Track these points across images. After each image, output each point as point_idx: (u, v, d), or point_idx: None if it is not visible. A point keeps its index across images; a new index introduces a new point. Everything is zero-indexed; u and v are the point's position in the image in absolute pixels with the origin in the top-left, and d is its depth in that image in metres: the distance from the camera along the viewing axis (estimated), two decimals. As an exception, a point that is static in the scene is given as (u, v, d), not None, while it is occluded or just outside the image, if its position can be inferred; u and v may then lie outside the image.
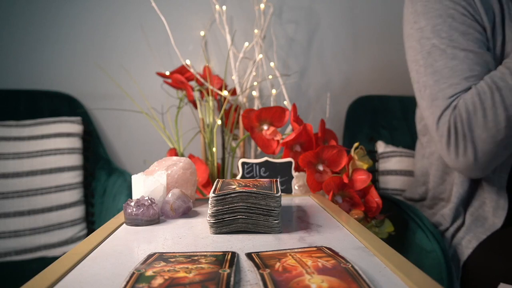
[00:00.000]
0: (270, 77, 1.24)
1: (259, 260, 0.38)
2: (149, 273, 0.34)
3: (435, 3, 0.78)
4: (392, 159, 1.19)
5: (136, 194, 0.59)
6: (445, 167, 0.87)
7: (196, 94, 1.17)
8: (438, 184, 0.89)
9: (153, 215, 0.54)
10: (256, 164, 0.74)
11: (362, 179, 0.77)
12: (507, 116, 0.69)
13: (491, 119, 0.70)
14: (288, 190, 0.75)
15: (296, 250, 0.41)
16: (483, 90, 0.71)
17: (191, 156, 1.03)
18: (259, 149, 1.27)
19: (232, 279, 0.33)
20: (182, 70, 1.18)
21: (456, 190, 0.83)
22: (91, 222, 1.18)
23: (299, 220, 0.56)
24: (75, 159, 1.17)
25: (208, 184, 0.99)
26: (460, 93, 0.74)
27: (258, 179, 0.57)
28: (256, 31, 1.25)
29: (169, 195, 0.58)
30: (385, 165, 1.20)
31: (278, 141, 0.81)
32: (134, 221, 0.53)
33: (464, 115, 0.73)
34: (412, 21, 0.82)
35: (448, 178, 0.86)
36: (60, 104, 1.28)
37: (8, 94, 1.24)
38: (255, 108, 1.28)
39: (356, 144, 0.82)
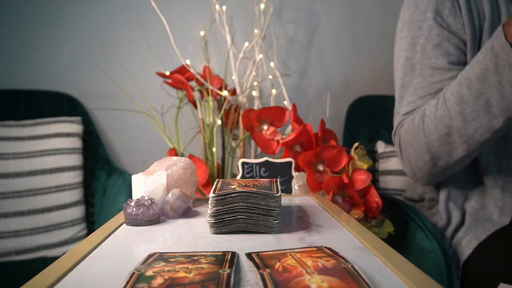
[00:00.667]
0: (270, 77, 1.24)
1: (259, 260, 0.38)
2: (149, 273, 0.34)
3: (420, 14, 0.81)
4: (392, 159, 1.19)
5: (136, 194, 0.59)
6: None
7: (196, 94, 1.17)
8: (434, 186, 0.90)
9: (153, 215, 0.54)
10: (256, 164, 0.74)
11: (362, 179, 0.77)
12: (425, 142, 0.76)
13: (416, 142, 0.78)
14: (288, 190, 0.75)
15: (296, 250, 0.41)
16: (417, 115, 0.78)
17: (191, 156, 1.03)
18: (259, 149, 1.27)
19: (232, 279, 0.33)
20: (182, 70, 1.18)
21: (442, 190, 0.85)
22: (91, 222, 1.18)
23: (299, 220, 0.56)
24: (75, 159, 1.17)
25: (208, 184, 0.99)
26: (412, 111, 0.81)
27: (258, 179, 0.57)
28: (256, 31, 1.25)
29: (169, 195, 0.58)
30: (385, 165, 1.20)
31: (278, 141, 0.81)
32: (134, 221, 0.53)
33: (403, 134, 0.82)
34: (399, 29, 0.87)
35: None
36: (60, 104, 1.28)
37: (8, 94, 1.24)
38: (255, 108, 1.28)
39: (356, 144, 0.82)
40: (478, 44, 0.79)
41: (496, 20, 0.79)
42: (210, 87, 1.12)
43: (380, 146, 1.23)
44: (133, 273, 0.34)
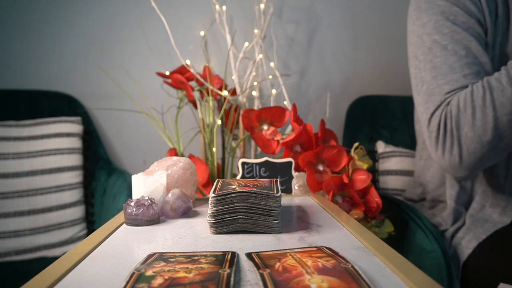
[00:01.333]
0: (270, 77, 1.24)
1: (259, 260, 0.38)
2: (149, 273, 0.34)
3: (440, 0, 0.77)
4: (392, 159, 1.19)
5: (136, 194, 0.59)
6: (443, 169, 0.87)
7: (196, 94, 1.17)
8: (437, 187, 0.89)
9: (153, 215, 0.54)
10: (256, 164, 0.74)
11: (362, 179, 0.77)
12: (494, 117, 0.68)
13: (479, 118, 0.69)
14: (288, 190, 0.75)
15: (296, 250, 0.41)
16: (477, 89, 0.70)
17: (191, 156, 1.03)
18: (259, 149, 1.27)
19: (232, 279, 0.33)
20: (182, 70, 1.18)
21: (449, 192, 0.84)
22: (91, 222, 1.18)
23: (299, 220, 0.56)
24: (75, 159, 1.17)
25: (208, 184, 0.99)
26: (457, 90, 0.73)
27: (258, 179, 0.57)
28: (256, 31, 1.25)
29: (169, 195, 0.58)
30: (385, 165, 1.20)
31: (278, 141, 0.81)
32: (134, 221, 0.53)
33: (454, 111, 0.72)
34: (414, 18, 0.81)
35: (447, 181, 0.87)
36: (60, 104, 1.28)
37: (8, 94, 1.24)
38: (255, 108, 1.28)
39: (356, 144, 0.82)
40: (493, 37, 0.77)
41: (506, 17, 0.78)
42: (210, 87, 1.12)
43: (380, 146, 1.23)
44: (133, 273, 0.34)
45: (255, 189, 0.50)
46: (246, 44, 1.25)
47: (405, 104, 1.32)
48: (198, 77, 1.17)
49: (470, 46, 0.74)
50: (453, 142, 0.73)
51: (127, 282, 0.32)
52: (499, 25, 0.78)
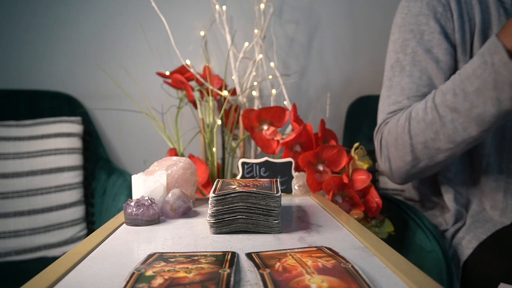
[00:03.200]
0: (270, 77, 1.24)
1: (259, 260, 0.38)
2: (149, 273, 0.34)
3: (411, 17, 0.82)
4: (392, 159, 1.18)
5: (136, 194, 0.59)
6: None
7: (196, 94, 1.17)
8: (432, 191, 0.90)
9: (153, 215, 0.54)
10: (256, 164, 0.74)
11: (362, 179, 0.77)
12: (410, 144, 0.77)
13: (400, 142, 0.79)
14: (288, 190, 0.75)
15: (296, 250, 0.41)
16: (402, 117, 0.78)
17: (191, 156, 1.03)
18: (259, 149, 1.27)
19: (232, 279, 0.33)
20: (182, 70, 1.18)
21: (446, 197, 0.84)
22: (91, 222, 1.18)
23: (299, 220, 0.56)
24: (75, 159, 1.17)
25: (208, 184, 0.99)
26: (398, 111, 0.81)
27: (258, 179, 0.57)
28: (256, 31, 1.25)
29: (169, 195, 0.58)
30: (385, 165, 1.20)
31: (278, 141, 0.81)
32: (134, 221, 0.53)
33: (385, 133, 0.82)
34: (392, 31, 0.88)
35: (441, 187, 0.87)
36: (60, 104, 1.28)
37: (8, 94, 1.24)
38: (255, 108, 1.28)
39: (356, 144, 0.82)
40: (470, 49, 0.80)
41: (487, 26, 0.80)
42: (210, 87, 1.12)
43: (380, 146, 1.23)
44: (133, 273, 0.34)
45: (255, 189, 0.50)
46: (246, 44, 1.25)
47: (405, 104, 1.32)
48: (198, 77, 1.17)
49: (427, 68, 0.80)
50: (385, 157, 0.84)
51: (127, 282, 0.32)
52: (477, 35, 0.79)
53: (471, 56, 0.80)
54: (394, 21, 0.87)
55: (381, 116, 0.86)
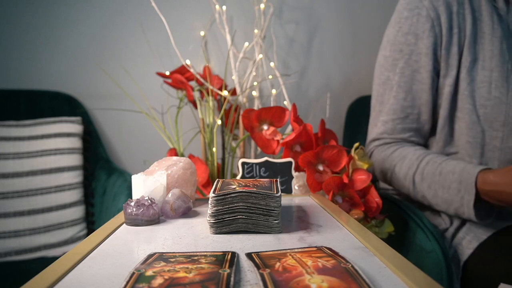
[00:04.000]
0: (270, 77, 1.24)
1: (259, 260, 0.38)
2: (149, 273, 0.34)
3: (401, 36, 0.87)
4: (392, 159, 1.19)
5: (136, 194, 0.59)
6: None
7: (196, 94, 1.17)
8: None
9: (153, 215, 0.54)
10: (256, 164, 0.74)
11: (362, 179, 0.77)
12: (390, 182, 0.90)
13: (384, 175, 0.91)
14: (288, 190, 0.75)
15: (296, 250, 0.41)
16: (388, 159, 0.88)
17: (191, 156, 1.03)
18: (259, 149, 1.27)
19: (232, 279, 0.33)
20: (182, 70, 1.18)
21: None
22: (91, 222, 1.18)
23: (299, 220, 0.56)
24: (75, 159, 1.17)
25: (208, 184, 0.99)
26: (384, 133, 0.91)
27: (258, 179, 0.57)
28: (256, 31, 1.25)
29: (169, 195, 0.58)
30: (385, 165, 1.20)
31: (278, 141, 0.81)
32: (134, 221, 0.53)
33: (374, 158, 0.93)
34: (383, 45, 0.92)
35: None
36: (60, 104, 1.28)
37: (8, 94, 1.24)
38: (255, 108, 1.28)
39: (356, 144, 0.82)
40: (458, 61, 0.82)
41: (478, 35, 0.82)
42: (210, 87, 1.12)
43: (380, 146, 1.23)
44: (133, 273, 0.34)
45: (255, 189, 0.50)
46: (246, 44, 1.25)
47: (405, 104, 1.32)
48: (198, 77, 1.17)
49: (412, 89, 0.87)
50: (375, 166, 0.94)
51: (127, 282, 0.32)
52: (466, 46, 0.81)
53: (458, 69, 0.83)
54: (387, 34, 0.91)
55: (372, 130, 0.94)
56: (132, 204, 0.53)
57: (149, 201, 0.54)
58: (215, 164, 1.07)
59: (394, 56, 0.88)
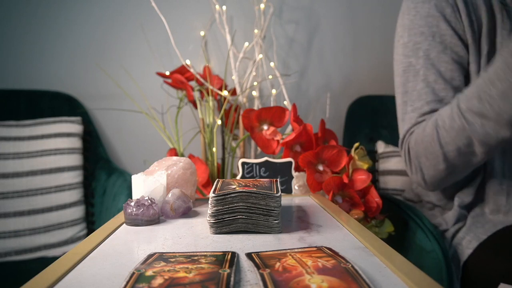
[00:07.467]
0: (270, 77, 1.24)
1: (259, 260, 0.38)
2: (149, 273, 0.34)
3: (420, 19, 0.81)
4: (392, 159, 1.19)
5: (136, 194, 0.59)
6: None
7: (196, 94, 1.17)
8: (433, 193, 0.90)
9: (153, 215, 0.54)
10: (256, 164, 0.74)
11: (362, 179, 0.77)
12: (442, 152, 0.74)
13: (431, 151, 0.76)
14: (288, 190, 0.75)
15: (296, 250, 0.41)
16: (428, 125, 0.76)
17: (191, 156, 1.03)
18: (259, 149, 1.27)
19: (232, 279, 0.33)
20: (182, 70, 1.18)
21: (458, 199, 0.84)
22: (91, 222, 1.18)
23: (299, 220, 0.56)
24: (75, 159, 1.17)
25: (208, 184, 0.99)
26: (419, 119, 0.80)
27: (258, 179, 0.57)
28: (256, 31, 1.25)
29: (169, 195, 0.58)
30: (385, 165, 1.20)
31: (278, 141, 0.81)
32: (134, 221, 0.53)
33: (413, 144, 0.80)
34: (399, 34, 0.86)
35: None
36: (60, 104, 1.28)
37: (8, 94, 1.24)
38: (255, 108, 1.28)
39: (356, 144, 0.82)
40: (478, 48, 0.79)
41: (492, 27, 0.80)
42: (210, 87, 1.12)
43: (380, 146, 1.23)
44: (133, 273, 0.34)
45: (255, 189, 0.50)
46: (246, 44, 1.25)
47: (405, 104, 1.32)
48: (198, 77, 1.17)
49: (441, 70, 0.79)
50: (416, 167, 0.81)
51: (127, 282, 0.32)
52: (483, 35, 0.79)
53: (480, 57, 0.79)
54: (401, 23, 0.85)
55: (402, 125, 0.84)
56: (132, 204, 0.53)
57: (149, 201, 0.54)
58: (215, 164, 1.07)
59: (415, 40, 0.81)
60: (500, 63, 0.65)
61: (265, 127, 0.81)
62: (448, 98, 0.78)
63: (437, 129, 0.74)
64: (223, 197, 0.49)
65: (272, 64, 1.23)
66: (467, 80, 0.80)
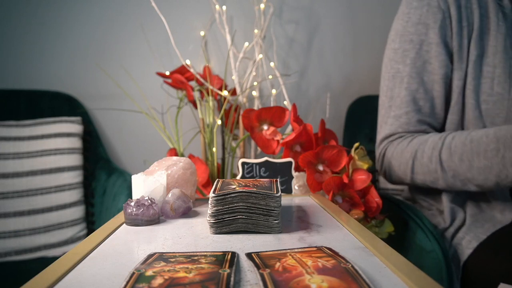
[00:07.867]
0: (270, 77, 1.24)
1: (259, 260, 0.38)
2: (149, 273, 0.34)
3: (411, 26, 0.84)
4: (392, 159, 1.18)
5: (136, 194, 0.59)
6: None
7: (196, 94, 1.17)
8: (429, 191, 0.90)
9: (153, 215, 0.54)
10: (256, 164, 0.74)
11: (362, 179, 0.77)
12: (411, 177, 0.83)
13: (402, 169, 0.85)
14: (288, 190, 0.75)
15: (296, 250, 0.41)
16: (408, 150, 0.82)
17: (191, 156, 1.03)
18: (259, 149, 1.27)
19: (232, 279, 0.33)
20: (182, 70, 1.18)
21: (444, 197, 0.85)
22: (91, 222, 1.18)
23: (299, 220, 0.56)
24: (75, 159, 1.17)
25: (208, 184, 0.99)
26: (399, 129, 0.86)
27: (258, 179, 0.57)
28: (256, 31, 1.25)
29: (169, 195, 0.58)
30: (385, 165, 1.20)
31: (278, 141, 0.81)
32: (134, 221, 0.53)
33: (389, 155, 0.87)
34: (391, 38, 0.89)
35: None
36: (60, 104, 1.28)
37: (8, 94, 1.24)
38: (255, 108, 1.28)
39: (356, 144, 0.82)
40: (467, 55, 0.82)
41: (484, 31, 0.81)
42: (210, 87, 1.12)
43: (380, 146, 1.23)
44: (133, 273, 0.34)
45: (255, 189, 0.50)
46: (246, 44, 1.25)
47: (405, 104, 1.32)
48: (198, 77, 1.17)
49: (424, 80, 0.84)
50: (386, 171, 0.90)
51: (127, 282, 0.32)
52: (474, 41, 0.81)
53: (467, 63, 0.82)
54: (394, 27, 0.89)
55: (384, 127, 0.89)
56: (132, 204, 0.53)
57: (149, 201, 0.54)
58: (215, 164, 1.07)
59: (404, 47, 0.85)
60: (493, 143, 0.69)
61: (265, 127, 0.81)
62: (426, 108, 0.84)
63: (414, 160, 0.81)
64: (223, 197, 0.49)
65: (272, 64, 1.23)
66: (450, 88, 0.84)
